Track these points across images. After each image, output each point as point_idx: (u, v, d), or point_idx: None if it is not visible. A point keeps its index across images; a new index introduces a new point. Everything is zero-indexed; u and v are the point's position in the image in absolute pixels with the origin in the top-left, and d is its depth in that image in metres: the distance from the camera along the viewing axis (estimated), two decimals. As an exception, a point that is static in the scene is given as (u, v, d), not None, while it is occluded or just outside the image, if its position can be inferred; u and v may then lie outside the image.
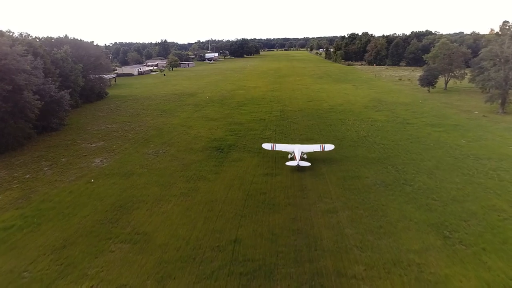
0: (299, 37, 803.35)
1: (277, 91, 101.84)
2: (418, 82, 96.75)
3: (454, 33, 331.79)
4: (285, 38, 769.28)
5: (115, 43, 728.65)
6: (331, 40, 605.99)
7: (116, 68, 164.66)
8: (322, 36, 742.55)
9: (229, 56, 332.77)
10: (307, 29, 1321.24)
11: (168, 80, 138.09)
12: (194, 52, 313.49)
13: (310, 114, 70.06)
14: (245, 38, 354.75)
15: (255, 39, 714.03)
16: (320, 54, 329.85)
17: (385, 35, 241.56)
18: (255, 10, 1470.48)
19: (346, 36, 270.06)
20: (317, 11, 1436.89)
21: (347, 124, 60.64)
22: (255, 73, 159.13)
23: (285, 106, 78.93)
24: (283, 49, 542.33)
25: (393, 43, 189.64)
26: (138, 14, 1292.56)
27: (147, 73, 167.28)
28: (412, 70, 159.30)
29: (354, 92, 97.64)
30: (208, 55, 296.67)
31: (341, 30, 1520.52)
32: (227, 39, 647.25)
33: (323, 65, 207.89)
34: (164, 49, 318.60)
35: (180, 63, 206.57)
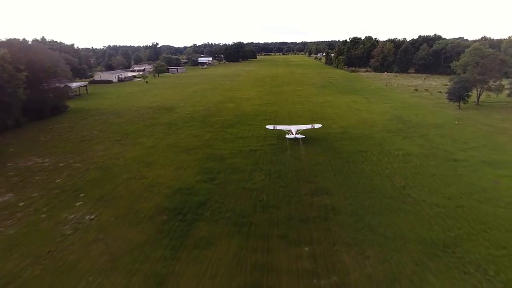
0: (297, 41, 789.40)
1: (274, 105, 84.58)
2: (446, 95, 79.66)
3: (460, 37, 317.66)
4: (283, 42, 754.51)
5: (109, 46, 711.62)
6: (330, 45, 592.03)
7: (95, 74, 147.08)
8: (321, 40, 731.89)
9: (224, 61, 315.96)
10: (305, 33, 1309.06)
11: (149, 89, 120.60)
12: (187, 56, 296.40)
13: (316, 141, 52.65)
14: (241, 41, 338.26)
15: (252, 42, 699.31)
16: (320, 59, 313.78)
17: (390, 39, 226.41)
18: (253, 13, 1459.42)
19: (348, 40, 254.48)
20: (315, 15, 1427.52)
21: (370, 161, 43.26)
22: (250, 81, 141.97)
23: (284, 128, 61.55)
24: (281, 54, 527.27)
25: (401, 48, 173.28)
26: (136, 16, 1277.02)
27: (129, 80, 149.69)
28: (425, 78, 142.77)
29: (367, 107, 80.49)
30: (201, 59, 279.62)
31: (340, 34, 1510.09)
32: (224, 43, 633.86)
33: (324, 71, 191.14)
34: (155, 52, 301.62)
35: (168, 69, 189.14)
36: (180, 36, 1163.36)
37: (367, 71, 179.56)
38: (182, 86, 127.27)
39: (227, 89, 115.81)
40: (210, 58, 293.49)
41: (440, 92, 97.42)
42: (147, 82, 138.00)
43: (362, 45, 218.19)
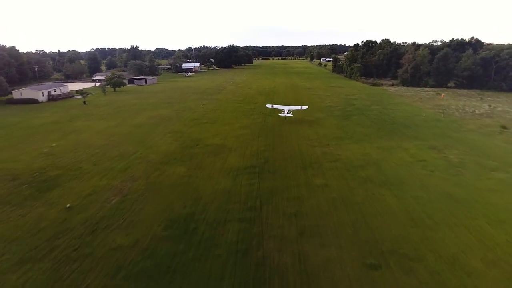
0: (297, 45, 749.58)
1: (267, 180, 41.57)
2: None
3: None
4: (282, 46, 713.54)
5: (97, 48, 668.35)
6: (332, 48, 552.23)
7: (16, 90, 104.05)
8: (322, 44, 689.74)
9: (214, 67, 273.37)
10: (306, 36, 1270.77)
11: (73, 118, 77.44)
12: (170, 62, 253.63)
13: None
14: (234, 45, 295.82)
15: (249, 46, 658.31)
16: (325, 65, 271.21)
17: (415, 43, 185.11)
18: (252, 15, 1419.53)
19: (361, 44, 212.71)
20: (316, 17, 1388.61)
21: None
22: (234, 102, 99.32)
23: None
24: (280, 58, 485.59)
25: (439, 55, 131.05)
26: (132, 18, 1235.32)
27: (65, 98, 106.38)
28: (481, 98, 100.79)
29: (460, 183, 37.83)
30: (186, 65, 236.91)
31: (342, 38, 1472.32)
32: (220, 46, 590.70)
33: (336, 83, 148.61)
34: (134, 56, 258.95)
35: (134, 79, 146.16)
36: (176, 38, 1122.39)
37: (392, 84, 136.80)
38: (130, 111, 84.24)
39: (192, 121, 72.95)
40: (197, 64, 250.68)
41: None
42: (85, 102, 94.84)
43: (379, 50, 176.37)
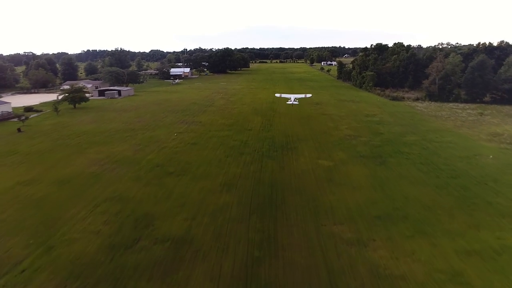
0: (296, 47, 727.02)
1: None
2: None
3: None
4: (280, 48, 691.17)
5: (88, 50, 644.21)
6: (332, 51, 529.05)
7: None
8: (321, 46, 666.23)
9: (206, 72, 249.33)
10: (304, 37, 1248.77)
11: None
12: (158, 67, 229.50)
13: None
14: (229, 47, 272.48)
15: (246, 48, 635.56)
16: (328, 70, 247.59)
17: (439, 46, 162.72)
18: (250, 15, 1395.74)
19: (370, 48, 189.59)
20: (315, 17, 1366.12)
21: None
22: (223, 126, 75.62)
23: None
24: (278, 61, 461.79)
25: (474, 63, 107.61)
26: (129, 19, 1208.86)
27: (3, 120, 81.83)
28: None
29: None
30: (174, 70, 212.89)
31: (342, 40, 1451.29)
32: (217, 48, 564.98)
33: (346, 95, 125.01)
34: (119, 61, 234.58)
35: (105, 91, 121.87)
36: (171, 39, 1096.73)
37: (417, 98, 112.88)
38: (71, 147, 60.01)
39: (152, 170, 48.70)
40: (188, 69, 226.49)
41: None
42: (19, 130, 70.26)
43: (394, 56, 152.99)
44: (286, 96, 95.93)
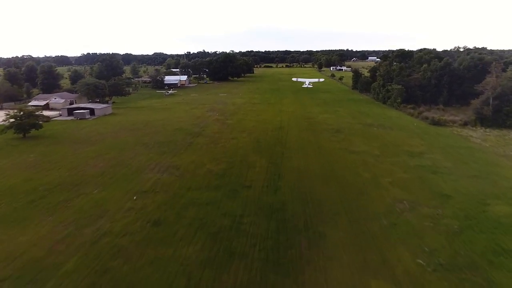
0: (302, 49, 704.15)
1: None
2: None
3: None
4: (286, 51, 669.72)
5: (88, 53, 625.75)
6: (341, 55, 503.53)
7: None
8: (327, 49, 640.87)
9: (206, 79, 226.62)
10: (310, 39, 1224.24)
11: None
12: (151, 75, 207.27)
13: None
14: (232, 51, 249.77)
15: (251, 51, 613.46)
16: (341, 78, 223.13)
17: (473, 50, 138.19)
18: (254, 17, 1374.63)
19: (391, 54, 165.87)
20: (321, 18, 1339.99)
21: None
22: (210, 176, 53.05)
23: None
24: (284, 65, 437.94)
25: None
26: (130, 21, 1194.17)
27: None
28: None
29: None
30: (168, 79, 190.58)
31: (349, 42, 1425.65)
32: (221, 51, 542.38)
33: (370, 115, 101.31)
34: (110, 67, 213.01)
35: (74, 110, 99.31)
36: (175, 42, 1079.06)
37: (465, 123, 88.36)
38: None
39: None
40: (185, 77, 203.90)
41: None
42: None
43: (424, 65, 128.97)
44: (302, 80, 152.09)
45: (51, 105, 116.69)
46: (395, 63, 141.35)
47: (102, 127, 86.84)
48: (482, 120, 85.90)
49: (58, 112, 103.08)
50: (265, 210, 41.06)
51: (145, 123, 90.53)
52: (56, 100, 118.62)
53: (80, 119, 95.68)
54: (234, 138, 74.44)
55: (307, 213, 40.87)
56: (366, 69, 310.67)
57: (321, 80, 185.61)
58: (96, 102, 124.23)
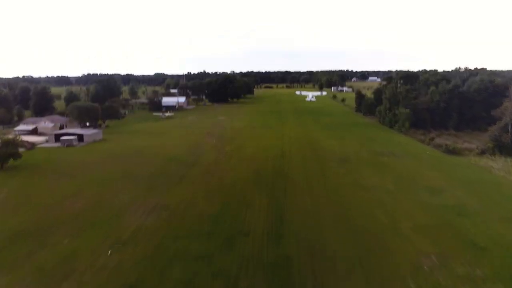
0: (302, 70, 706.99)
1: None
2: None
3: None
4: (286, 71, 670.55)
5: (88, 74, 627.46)
6: (342, 76, 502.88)
7: None
8: (327, 69, 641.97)
9: (205, 101, 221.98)
10: (310, 59, 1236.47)
11: None
12: (148, 97, 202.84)
13: None
14: (233, 71, 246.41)
15: (252, 71, 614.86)
16: (343, 100, 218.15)
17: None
18: (255, 37, 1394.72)
19: (395, 76, 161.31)
20: (321, 38, 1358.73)
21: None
22: (200, 218, 45.96)
23: None
24: (285, 86, 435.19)
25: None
26: (132, 42, 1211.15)
27: None
28: None
29: None
30: (166, 100, 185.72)
31: (350, 62, 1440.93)
32: (222, 71, 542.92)
33: (377, 141, 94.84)
34: (107, 88, 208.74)
35: (61, 135, 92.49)
36: (175, 62, 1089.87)
37: (482, 151, 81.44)
38: None
39: None
40: (183, 99, 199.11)
41: None
42: None
43: (432, 88, 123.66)
44: (305, 94, 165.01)
45: (39, 130, 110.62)
46: (399, 85, 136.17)
47: (89, 155, 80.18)
48: (501, 148, 79.23)
49: (46, 137, 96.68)
50: (266, 269, 33.78)
51: (136, 151, 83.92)
52: (46, 124, 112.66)
53: (67, 146, 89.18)
54: (232, 169, 67.63)
55: (317, 271, 33.64)
56: (368, 89, 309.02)
57: (324, 93, 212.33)
58: (88, 126, 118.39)
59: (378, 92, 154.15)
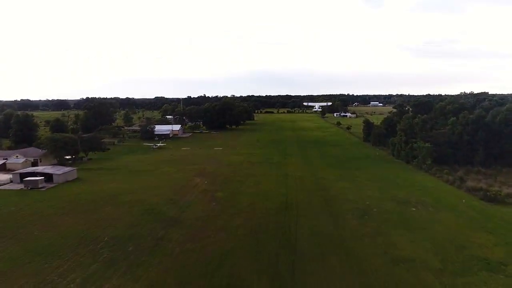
0: (303, 94, 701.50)
1: None
2: None
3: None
4: (287, 95, 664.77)
5: (87, 98, 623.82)
6: (344, 100, 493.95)
7: None
8: (327, 93, 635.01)
9: (202, 129, 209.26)
10: (312, 83, 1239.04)
11: None
12: (141, 124, 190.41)
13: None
14: (233, 95, 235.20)
15: (252, 96, 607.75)
16: (349, 128, 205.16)
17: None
18: (256, 60, 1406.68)
19: (407, 105, 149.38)
20: (322, 62, 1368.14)
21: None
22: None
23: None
24: (286, 111, 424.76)
25: None
26: (133, 65, 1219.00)
27: None
28: None
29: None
30: (159, 129, 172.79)
31: (348, 87, 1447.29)
32: (223, 95, 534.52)
33: (397, 183, 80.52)
34: (98, 114, 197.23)
35: (27, 174, 78.66)
36: (176, 86, 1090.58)
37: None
38: None
39: None
40: (178, 127, 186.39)
41: None
42: None
43: (453, 119, 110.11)
44: (312, 104, 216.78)
45: (8, 166, 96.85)
46: (413, 113, 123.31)
47: (50, 203, 65.70)
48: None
49: (5, 179, 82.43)
50: None
51: (110, 196, 69.48)
52: (16, 159, 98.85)
53: (31, 188, 74.92)
54: (222, 229, 52.91)
55: None
56: (371, 114, 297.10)
57: (329, 104, 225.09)
58: (68, 159, 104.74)
59: (388, 121, 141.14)
